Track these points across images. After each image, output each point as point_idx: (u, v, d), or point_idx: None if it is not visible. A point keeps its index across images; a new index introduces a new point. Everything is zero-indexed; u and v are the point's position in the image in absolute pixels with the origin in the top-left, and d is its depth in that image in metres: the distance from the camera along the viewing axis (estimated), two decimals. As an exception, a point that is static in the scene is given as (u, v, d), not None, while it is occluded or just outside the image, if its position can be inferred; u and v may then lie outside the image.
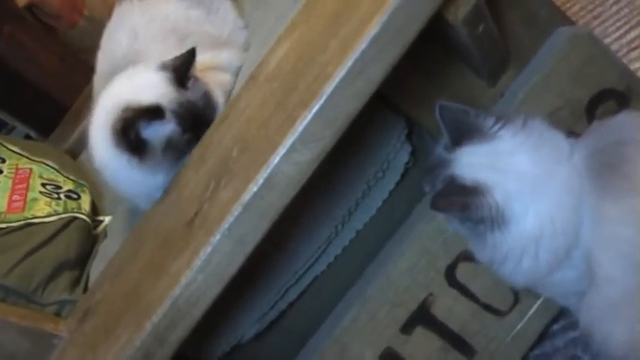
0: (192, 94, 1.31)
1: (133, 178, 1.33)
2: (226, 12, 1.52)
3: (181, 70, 1.30)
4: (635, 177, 1.08)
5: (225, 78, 1.45)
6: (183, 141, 1.31)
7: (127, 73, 1.36)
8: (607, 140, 1.14)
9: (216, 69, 1.43)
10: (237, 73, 1.46)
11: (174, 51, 1.37)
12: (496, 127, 1.12)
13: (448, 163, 1.12)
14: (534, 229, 1.09)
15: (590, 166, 1.11)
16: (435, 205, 1.10)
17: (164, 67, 1.31)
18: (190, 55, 1.31)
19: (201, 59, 1.36)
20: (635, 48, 1.84)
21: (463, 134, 1.12)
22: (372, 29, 1.02)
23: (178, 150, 1.32)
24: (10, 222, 1.50)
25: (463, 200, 1.09)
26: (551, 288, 1.21)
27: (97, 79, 1.46)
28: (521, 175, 1.09)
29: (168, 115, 1.29)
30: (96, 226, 1.64)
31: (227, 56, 1.47)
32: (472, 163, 1.11)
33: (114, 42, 1.45)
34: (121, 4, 1.53)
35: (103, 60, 1.47)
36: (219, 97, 1.37)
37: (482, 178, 1.09)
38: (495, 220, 1.08)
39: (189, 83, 1.32)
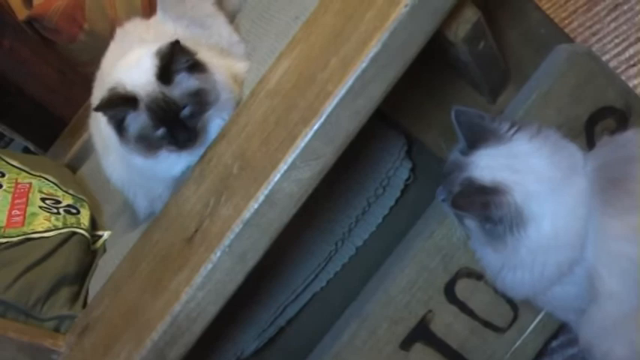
0: (176, 90, 1.31)
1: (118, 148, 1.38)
2: (220, 27, 1.53)
3: (164, 64, 1.30)
4: (638, 194, 1.09)
5: (237, 86, 1.45)
6: (155, 136, 1.32)
7: (135, 49, 1.39)
8: (613, 156, 1.15)
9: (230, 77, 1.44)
10: (242, 83, 1.47)
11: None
12: (512, 131, 1.12)
13: (465, 167, 1.13)
14: (549, 234, 1.09)
15: (596, 179, 1.11)
16: (456, 204, 1.10)
17: (159, 52, 1.32)
18: (173, 49, 1.30)
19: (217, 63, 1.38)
20: (633, 65, 1.85)
21: (479, 138, 1.13)
22: (373, 48, 1.03)
23: (151, 143, 1.33)
24: (10, 237, 1.50)
25: (483, 199, 1.09)
26: (551, 302, 1.21)
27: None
28: (540, 176, 1.09)
29: (141, 107, 1.29)
30: (95, 241, 1.63)
31: (234, 65, 1.47)
32: (490, 164, 1.11)
33: (124, 48, 1.47)
34: (124, 25, 1.54)
35: (107, 67, 1.48)
36: (230, 101, 1.38)
37: (500, 178, 1.09)
38: (515, 220, 1.08)
39: (177, 78, 1.31)
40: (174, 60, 1.30)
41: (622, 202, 1.09)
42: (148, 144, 1.32)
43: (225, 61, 1.46)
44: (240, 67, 1.48)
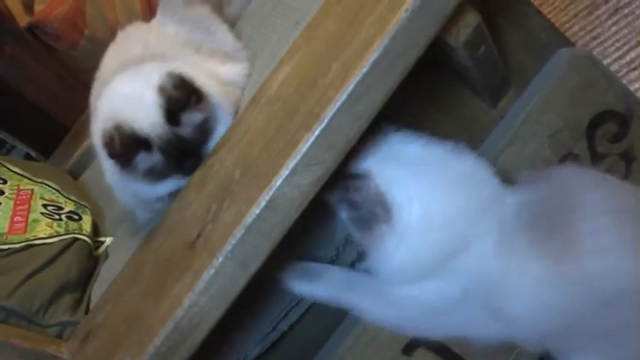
0: (184, 129, 1.31)
1: (115, 176, 1.37)
2: (224, 34, 1.54)
3: (175, 109, 1.29)
4: (573, 244, 1.10)
5: (236, 93, 1.45)
6: (165, 170, 1.32)
7: (131, 74, 1.37)
8: (551, 194, 1.16)
9: (227, 84, 1.44)
10: (244, 88, 1.47)
11: (192, 57, 1.41)
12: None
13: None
14: (417, 221, 1.10)
15: (525, 214, 1.12)
16: (326, 198, 1.13)
17: (162, 91, 1.30)
18: (186, 94, 1.30)
19: (215, 71, 1.39)
20: (634, 68, 1.85)
21: None
22: (374, 53, 1.03)
23: (159, 175, 1.33)
24: (12, 243, 1.50)
25: (342, 183, 1.12)
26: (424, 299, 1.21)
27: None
28: (409, 164, 1.11)
29: (154, 148, 1.29)
30: (97, 247, 1.63)
31: (235, 70, 1.48)
32: (368, 157, 1.15)
33: (124, 50, 1.47)
34: (125, 28, 1.54)
35: (107, 68, 1.48)
36: (227, 116, 1.37)
37: (367, 166, 1.12)
38: (378, 205, 1.10)
39: (184, 116, 1.30)
40: (183, 106, 1.30)
41: (555, 246, 1.10)
42: (156, 176, 1.33)
43: (226, 67, 1.47)
44: (241, 71, 1.48)
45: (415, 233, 1.11)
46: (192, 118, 1.31)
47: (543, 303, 1.11)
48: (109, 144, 1.28)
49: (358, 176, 1.11)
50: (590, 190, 1.19)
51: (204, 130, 1.33)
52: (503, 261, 1.11)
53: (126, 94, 1.34)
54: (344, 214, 1.16)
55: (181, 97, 1.29)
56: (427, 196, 1.10)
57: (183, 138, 1.31)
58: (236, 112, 1.40)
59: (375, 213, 1.10)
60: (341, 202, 1.14)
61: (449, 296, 1.15)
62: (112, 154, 1.29)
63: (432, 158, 1.13)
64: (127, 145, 1.28)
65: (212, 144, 1.35)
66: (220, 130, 1.36)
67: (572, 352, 1.21)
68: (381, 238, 1.12)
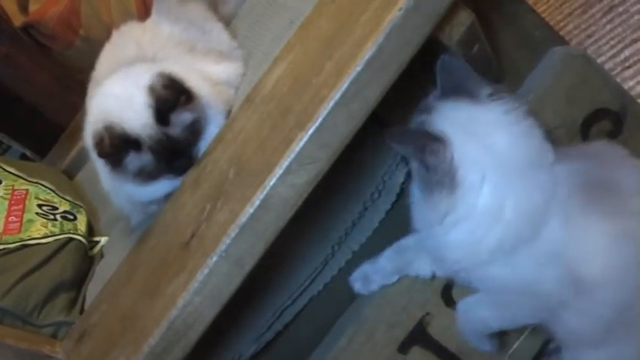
0: (175, 129, 1.31)
1: (108, 178, 1.38)
2: (219, 32, 1.53)
3: (164, 109, 1.30)
4: (624, 201, 1.10)
5: (229, 92, 1.45)
6: (156, 170, 1.32)
7: (122, 75, 1.37)
8: (592, 162, 1.16)
9: (220, 84, 1.44)
10: (238, 87, 1.47)
11: (185, 57, 1.42)
12: (491, 97, 1.12)
13: (429, 110, 1.14)
14: (486, 207, 1.09)
15: (577, 181, 1.11)
16: (390, 135, 1.11)
17: (152, 91, 1.30)
18: (175, 94, 1.30)
19: (207, 71, 1.38)
20: (628, 66, 1.86)
21: (455, 89, 1.13)
22: (368, 51, 1.03)
23: (150, 175, 1.33)
24: (7, 243, 1.50)
25: (420, 141, 1.09)
26: (483, 281, 1.20)
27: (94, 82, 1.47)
28: (491, 149, 1.09)
29: (145, 148, 1.30)
30: (92, 247, 1.63)
31: (229, 70, 1.48)
32: (449, 116, 1.12)
33: (119, 51, 1.47)
34: (120, 28, 1.54)
35: (102, 68, 1.48)
36: (218, 115, 1.37)
37: (450, 132, 1.09)
38: (447, 176, 1.08)
39: (174, 117, 1.30)
40: (172, 106, 1.30)
41: (608, 206, 1.10)
42: (146, 176, 1.33)
43: (220, 66, 1.47)
44: (236, 70, 1.48)
45: (480, 220, 1.09)
46: (182, 119, 1.31)
47: (615, 259, 1.10)
48: (99, 144, 1.28)
49: (436, 139, 1.08)
50: (627, 158, 1.21)
51: (195, 130, 1.33)
52: (569, 233, 1.10)
53: (116, 94, 1.34)
54: (414, 165, 1.14)
55: (171, 97, 1.29)
56: (501, 187, 1.08)
57: (173, 138, 1.31)
58: (229, 112, 1.40)
59: (442, 183, 1.08)
60: (414, 156, 1.12)
61: (512, 277, 1.14)
62: (102, 154, 1.29)
63: (510, 138, 1.10)
64: (116, 145, 1.28)
65: (203, 144, 1.35)
66: (211, 131, 1.36)
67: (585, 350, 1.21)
68: (438, 208, 1.11)
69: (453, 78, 1.13)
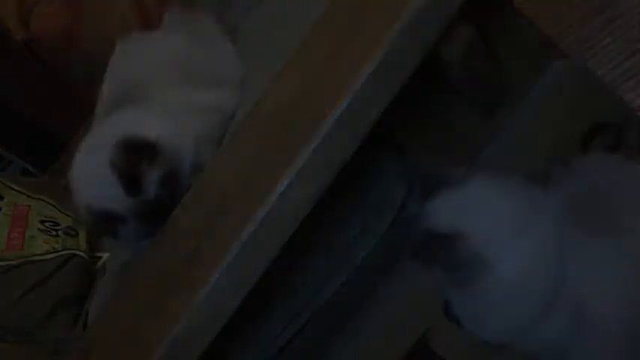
0: (147, 193, 1.28)
1: None
2: (226, 51, 1.53)
3: (129, 180, 1.26)
4: (618, 219, 1.09)
5: (216, 119, 1.44)
6: (150, 230, 1.32)
7: (86, 149, 1.36)
8: (585, 185, 1.15)
9: (216, 110, 1.43)
10: (231, 116, 1.46)
11: (175, 84, 1.40)
12: (466, 176, 1.12)
13: (423, 219, 1.12)
14: (514, 276, 1.06)
15: (567, 210, 1.11)
16: (413, 256, 1.11)
17: (114, 166, 1.26)
18: (136, 160, 1.26)
19: (197, 100, 1.38)
20: (629, 78, 1.86)
21: (433, 187, 1.13)
22: (368, 68, 1.04)
23: (148, 234, 1.33)
24: (9, 260, 1.50)
25: (438, 247, 1.07)
26: (542, 343, 1.15)
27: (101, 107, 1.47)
28: (496, 220, 1.08)
29: (129, 221, 1.30)
30: (94, 263, 1.63)
31: (222, 97, 1.47)
32: (445, 211, 1.10)
33: (122, 69, 1.48)
34: (124, 40, 1.53)
35: (108, 89, 1.48)
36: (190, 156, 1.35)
37: (456, 223, 1.08)
38: (474, 266, 1.06)
39: (144, 182, 1.27)
40: (137, 173, 1.27)
41: (603, 228, 1.09)
42: (145, 235, 1.34)
43: (212, 94, 1.45)
44: (230, 100, 1.47)
45: (513, 291, 1.08)
46: (151, 179, 1.28)
47: (618, 285, 1.09)
48: (90, 227, 1.30)
49: (451, 236, 1.05)
50: (623, 173, 1.20)
51: (171, 181, 1.30)
52: (580, 271, 1.08)
53: (85, 174, 1.34)
54: (441, 276, 1.13)
55: (132, 166, 1.26)
56: (521, 253, 1.08)
57: (150, 201, 1.29)
58: (222, 136, 1.39)
59: (473, 273, 1.08)
60: (439, 267, 1.11)
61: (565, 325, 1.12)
62: (97, 235, 1.31)
63: (513, 206, 1.10)
64: (103, 227, 1.30)
65: (183, 190, 1.33)
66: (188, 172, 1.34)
67: None
68: (478, 296, 1.09)
69: (427, 179, 1.14)
